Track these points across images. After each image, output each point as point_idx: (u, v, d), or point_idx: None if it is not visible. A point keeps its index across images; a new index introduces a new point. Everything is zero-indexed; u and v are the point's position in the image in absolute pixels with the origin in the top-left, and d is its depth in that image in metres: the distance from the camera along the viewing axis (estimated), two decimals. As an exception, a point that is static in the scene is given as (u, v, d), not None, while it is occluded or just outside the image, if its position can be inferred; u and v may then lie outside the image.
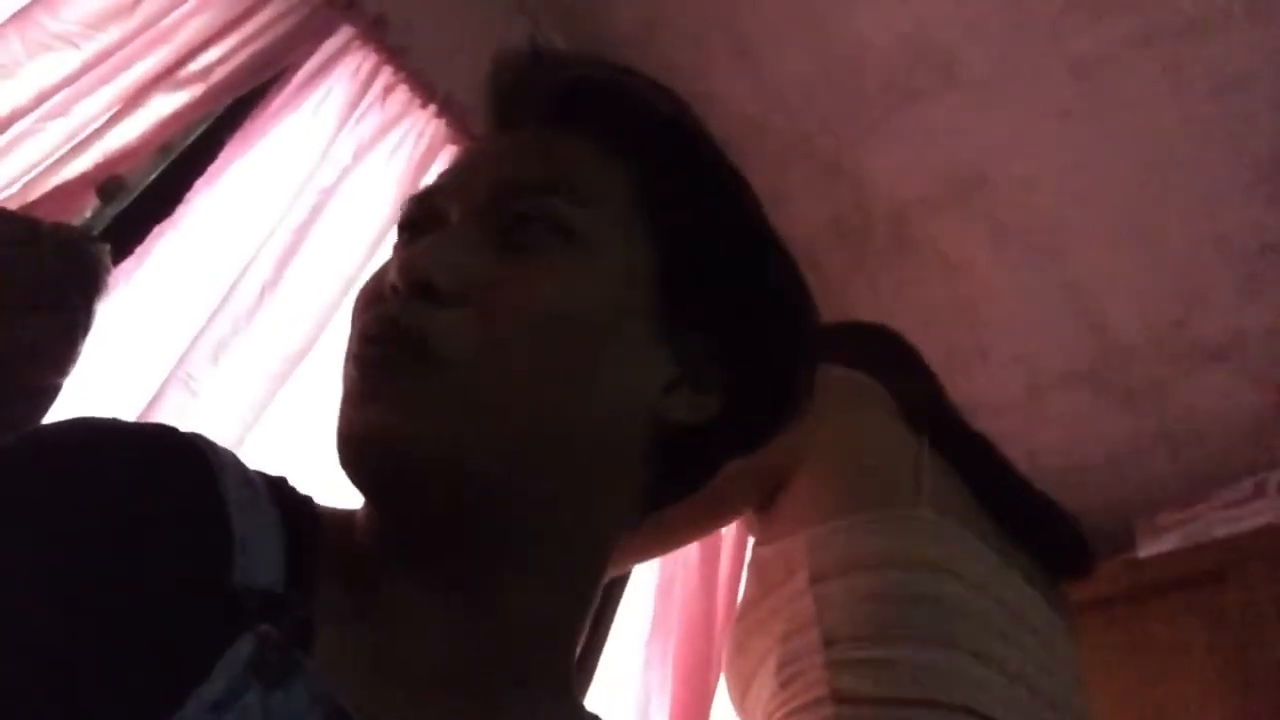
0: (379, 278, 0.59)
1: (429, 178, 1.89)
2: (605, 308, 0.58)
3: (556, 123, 0.65)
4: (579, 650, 0.63)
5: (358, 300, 0.60)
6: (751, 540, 1.22)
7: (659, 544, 1.25)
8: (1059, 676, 1.07)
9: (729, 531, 2.03)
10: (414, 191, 0.66)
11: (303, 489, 0.59)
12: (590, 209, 0.59)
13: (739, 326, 0.64)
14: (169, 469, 0.51)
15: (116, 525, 0.47)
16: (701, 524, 1.25)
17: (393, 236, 1.74)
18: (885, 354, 1.36)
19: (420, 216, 0.62)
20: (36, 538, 0.45)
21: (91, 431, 0.51)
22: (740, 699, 1.13)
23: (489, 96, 0.69)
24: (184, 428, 1.33)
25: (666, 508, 0.68)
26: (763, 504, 1.17)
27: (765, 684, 1.04)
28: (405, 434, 0.52)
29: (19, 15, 1.40)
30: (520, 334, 0.55)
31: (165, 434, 0.53)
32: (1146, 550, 2.59)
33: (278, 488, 0.56)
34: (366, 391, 0.54)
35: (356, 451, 0.54)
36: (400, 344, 0.54)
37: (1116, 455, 2.76)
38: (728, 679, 1.17)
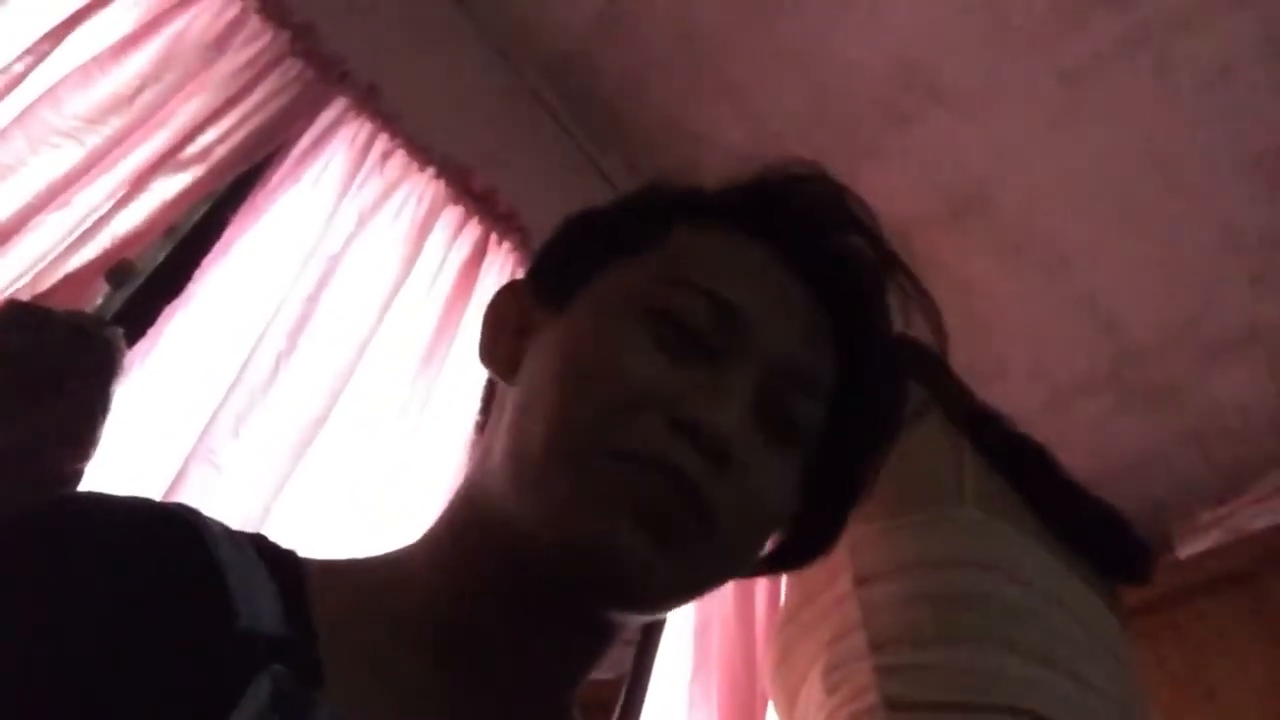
0: (644, 378, 0.59)
1: (432, 238, 1.91)
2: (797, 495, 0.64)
3: (829, 288, 0.66)
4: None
5: (609, 387, 0.59)
6: None
7: None
8: (1118, 676, 1.03)
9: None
10: (710, 284, 0.63)
11: (284, 543, 0.60)
12: (824, 412, 0.64)
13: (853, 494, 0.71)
14: (158, 534, 0.52)
15: (117, 594, 0.47)
16: None
17: (402, 297, 1.75)
18: (917, 362, 1.34)
19: (706, 326, 0.61)
20: (40, 612, 0.46)
21: (75, 506, 0.53)
22: (788, 709, 1.10)
23: (794, 210, 0.69)
24: (211, 503, 1.34)
25: None
26: None
27: (813, 692, 1.02)
28: (670, 584, 0.58)
29: (23, 114, 1.43)
30: (759, 521, 0.62)
31: (147, 503, 0.55)
32: (1185, 550, 2.55)
33: (259, 543, 0.58)
34: (661, 537, 0.55)
35: (625, 587, 0.57)
36: (697, 503, 0.56)
37: (1145, 458, 2.73)
38: (772, 689, 1.14)
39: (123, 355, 1.30)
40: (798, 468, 0.63)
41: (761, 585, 2.05)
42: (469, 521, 0.62)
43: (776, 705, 1.14)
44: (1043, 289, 2.53)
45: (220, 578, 0.51)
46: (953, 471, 1.09)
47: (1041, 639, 0.98)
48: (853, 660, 0.98)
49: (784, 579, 1.23)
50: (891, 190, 2.48)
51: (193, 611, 0.49)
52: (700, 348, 0.60)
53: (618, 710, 1.83)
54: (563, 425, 0.58)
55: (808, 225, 0.68)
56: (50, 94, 1.45)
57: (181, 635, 0.48)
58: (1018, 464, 1.15)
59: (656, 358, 0.59)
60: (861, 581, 1.02)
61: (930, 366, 1.31)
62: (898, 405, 0.71)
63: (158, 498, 1.33)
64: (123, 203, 1.50)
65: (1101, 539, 1.14)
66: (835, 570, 1.04)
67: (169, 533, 0.52)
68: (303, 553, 0.60)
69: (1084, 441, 2.69)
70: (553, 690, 0.63)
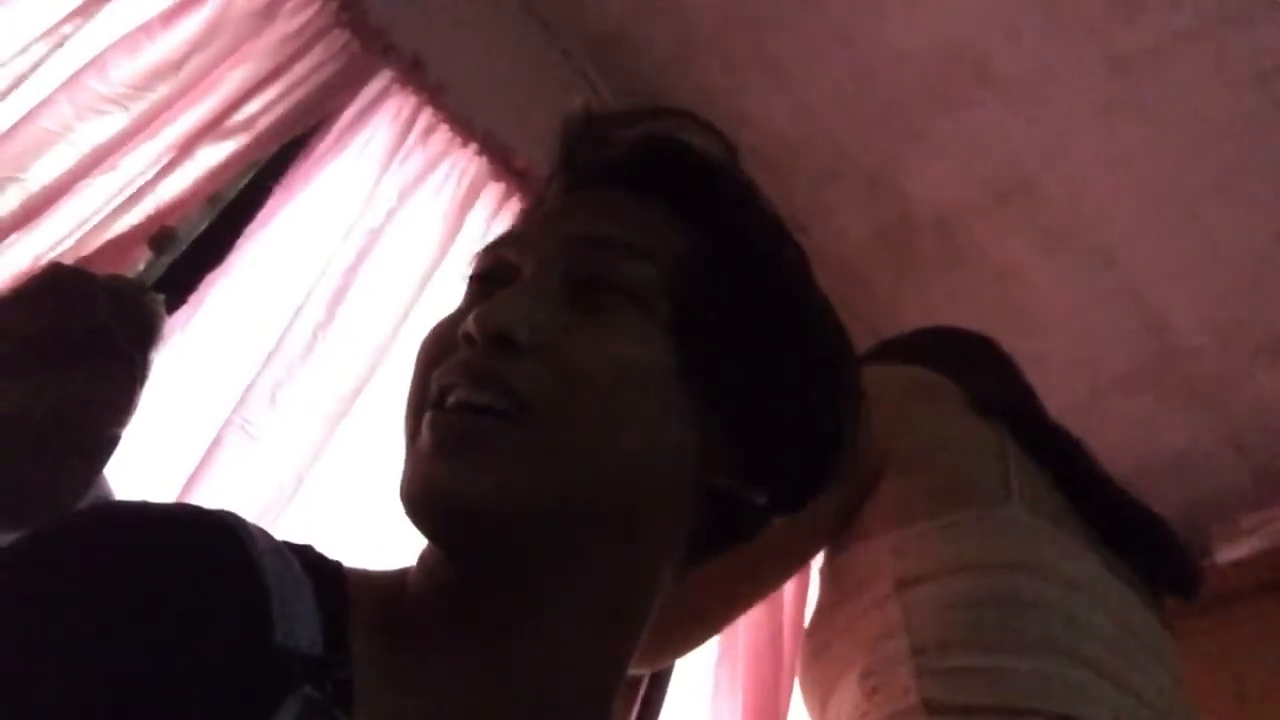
0: (448, 328, 0.60)
1: (473, 215, 1.91)
2: (659, 365, 0.60)
3: (623, 183, 0.68)
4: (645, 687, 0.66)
5: (425, 349, 0.61)
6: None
7: (734, 610, 1.19)
8: (1162, 682, 1.01)
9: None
10: (485, 243, 0.67)
11: (329, 554, 0.60)
12: (649, 267, 0.62)
13: (773, 397, 0.65)
14: (202, 545, 0.51)
15: (156, 605, 0.47)
16: (781, 567, 1.17)
17: (441, 273, 1.77)
18: (961, 352, 1.31)
19: (492, 269, 0.64)
20: (80, 623, 0.45)
21: (121, 517, 0.52)
22: (820, 710, 1.08)
23: (558, 159, 0.72)
24: (245, 471, 1.35)
25: (722, 558, 0.70)
26: (842, 529, 1.12)
27: (848, 694, 1.00)
28: (488, 490, 0.54)
29: (69, 80, 1.44)
30: (592, 387, 0.57)
31: (194, 512, 0.54)
32: (1224, 556, 2.51)
33: (304, 555, 0.57)
34: (446, 448, 0.55)
35: (435, 510, 0.55)
36: (486, 392, 0.55)
37: (1185, 459, 2.69)
38: (804, 689, 1.13)
39: (163, 321, 1.31)
40: (636, 319, 0.60)
41: (790, 571, 2.04)
42: None
43: (808, 706, 1.12)
44: (1086, 281, 2.49)
45: (263, 592, 0.51)
46: (997, 468, 1.06)
47: (1085, 644, 0.95)
48: (893, 663, 0.96)
49: (817, 580, 1.21)
50: (936, 176, 2.45)
51: (232, 625, 0.49)
52: (495, 284, 0.62)
53: (642, 691, 1.84)
54: (404, 407, 0.61)
55: (579, 144, 0.71)
56: (97, 61, 1.46)
57: (218, 650, 0.48)
58: (1061, 462, 1.12)
59: (459, 313, 0.61)
60: (904, 584, 0.99)
61: (967, 356, 1.29)
62: (754, 231, 0.69)
63: (193, 465, 1.34)
64: (167, 169, 1.51)
65: (1149, 547, 1.12)
66: (874, 571, 1.02)
67: (213, 544, 0.52)
68: (347, 564, 0.60)
69: (1123, 439, 2.65)
70: (586, 691, 0.61)
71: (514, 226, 0.70)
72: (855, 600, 1.04)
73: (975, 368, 1.25)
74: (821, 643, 1.08)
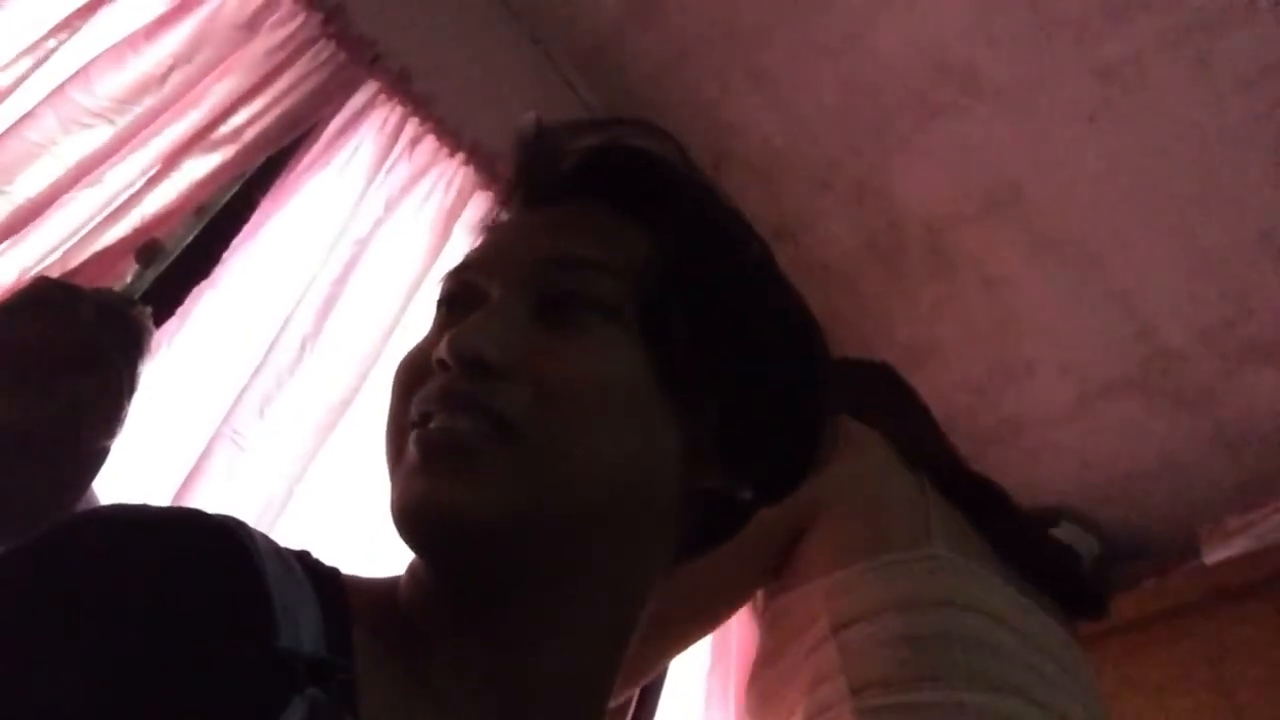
0: (422, 353, 0.60)
1: (461, 224, 1.91)
2: (635, 374, 0.60)
3: (583, 194, 0.68)
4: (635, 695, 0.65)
5: (401, 376, 0.61)
6: (761, 593, 1.20)
7: (670, 649, 1.19)
8: (1087, 704, 1.06)
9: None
10: (452, 267, 0.67)
11: (327, 560, 0.60)
12: (619, 279, 0.62)
13: (753, 391, 0.66)
14: (203, 547, 0.51)
15: (159, 607, 0.47)
16: (715, 608, 1.19)
17: (429, 283, 1.77)
18: (878, 394, 1.36)
19: (460, 292, 0.64)
20: (82, 626, 0.45)
21: (122, 519, 0.52)
22: None
23: (515, 175, 0.72)
24: (234, 483, 1.34)
25: (692, 571, 0.70)
26: (777, 569, 1.15)
27: None
28: (479, 506, 0.54)
29: (54, 94, 1.44)
30: (572, 403, 0.57)
31: (195, 516, 0.54)
32: (1212, 556, 2.51)
33: (303, 560, 0.57)
34: (434, 466, 0.55)
35: (428, 525, 0.55)
36: (467, 415, 0.56)
37: (1174, 462, 2.69)
38: None
39: (151, 334, 1.31)
40: (607, 331, 0.60)
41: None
42: None
43: None
44: (1074, 287, 2.50)
45: (265, 594, 0.50)
46: (919, 511, 1.11)
47: (1013, 673, 0.99)
48: (832, 705, 0.98)
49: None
50: (924, 184, 2.46)
51: (234, 629, 0.49)
52: (464, 308, 0.62)
53: (635, 699, 1.83)
54: (385, 432, 0.61)
55: (533, 159, 0.72)
56: (82, 74, 1.46)
57: (221, 652, 0.47)
58: (977, 503, 1.17)
59: (432, 338, 0.62)
60: (838, 626, 1.03)
61: (884, 399, 1.34)
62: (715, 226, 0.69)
63: (183, 476, 1.34)
64: (153, 182, 1.51)
65: (1061, 577, 1.18)
66: (811, 616, 1.06)
67: (214, 546, 0.51)
68: (345, 570, 0.60)
69: (1113, 442, 2.66)
70: (581, 698, 0.62)
71: (477, 249, 0.69)
72: (794, 646, 1.07)
73: (894, 411, 1.30)
74: (766, 688, 1.11)
